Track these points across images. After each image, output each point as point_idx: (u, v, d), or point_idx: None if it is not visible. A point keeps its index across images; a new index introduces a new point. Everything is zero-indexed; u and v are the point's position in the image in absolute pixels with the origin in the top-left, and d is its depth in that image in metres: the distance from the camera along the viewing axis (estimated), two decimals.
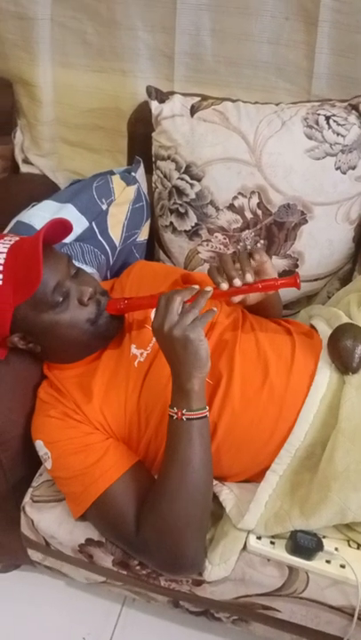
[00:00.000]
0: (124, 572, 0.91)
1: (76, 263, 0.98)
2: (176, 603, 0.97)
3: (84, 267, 1.05)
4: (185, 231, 1.21)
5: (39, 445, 0.89)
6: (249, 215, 1.16)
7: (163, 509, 0.79)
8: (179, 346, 0.76)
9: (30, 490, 0.97)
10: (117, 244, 1.17)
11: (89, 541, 0.90)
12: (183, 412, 0.79)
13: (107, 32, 1.27)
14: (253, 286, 0.83)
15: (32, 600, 1.19)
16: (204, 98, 1.18)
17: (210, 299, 0.80)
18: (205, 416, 0.80)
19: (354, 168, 1.12)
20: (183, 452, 0.79)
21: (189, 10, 1.19)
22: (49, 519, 0.93)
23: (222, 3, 1.18)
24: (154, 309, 0.89)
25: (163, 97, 1.19)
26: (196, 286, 0.82)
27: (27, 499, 0.96)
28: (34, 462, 0.95)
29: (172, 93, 1.20)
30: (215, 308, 0.81)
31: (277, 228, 1.16)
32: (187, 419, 0.78)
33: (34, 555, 1.03)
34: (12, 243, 0.88)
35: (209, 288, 0.81)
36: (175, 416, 0.79)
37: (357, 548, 0.84)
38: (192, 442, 0.79)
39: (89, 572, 0.99)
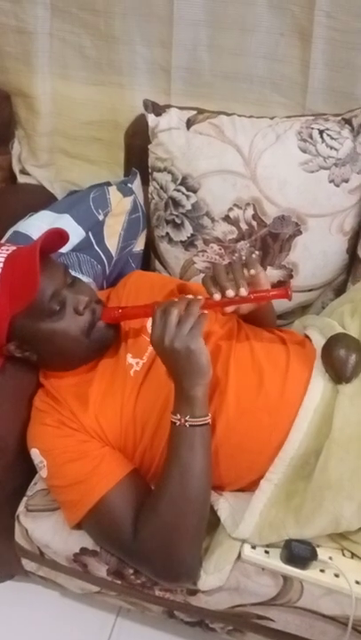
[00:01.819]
0: (119, 582, 0.91)
1: (73, 273, 0.98)
2: (171, 613, 0.96)
3: (80, 276, 1.05)
4: (181, 242, 1.22)
5: (34, 454, 0.89)
6: (244, 226, 1.17)
7: (162, 515, 0.79)
8: (181, 357, 0.77)
9: (25, 499, 0.97)
10: (114, 254, 1.18)
11: (83, 550, 0.90)
12: (186, 418, 0.80)
13: (105, 46, 1.29)
14: (245, 297, 0.83)
15: (26, 611, 1.18)
16: (200, 111, 1.19)
17: (203, 308, 0.81)
18: (208, 423, 0.81)
19: (347, 181, 1.13)
20: (185, 458, 0.79)
21: (187, 25, 1.21)
22: (43, 528, 0.93)
23: (219, 18, 1.20)
24: (150, 319, 0.89)
25: (159, 110, 1.20)
26: (190, 296, 0.83)
27: (21, 508, 0.96)
28: (29, 471, 0.95)
29: (169, 107, 1.21)
30: (206, 311, 0.81)
31: (272, 239, 1.17)
32: (190, 425, 0.79)
33: (28, 564, 1.02)
34: (9, 252, 0.89)
35: (200, 297, 0.82)
36: (178, 422, 0.80)
37: (351, 557, 0.85)
38: (194, 448, 0.80)
39: (83, 582, 0.98)
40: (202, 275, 1.23)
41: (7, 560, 1.06)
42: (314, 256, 1.19)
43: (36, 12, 1.26)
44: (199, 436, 0.80)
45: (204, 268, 1.23)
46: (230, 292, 0.82)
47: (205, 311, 0.81)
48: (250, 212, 1.15)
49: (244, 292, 0.82)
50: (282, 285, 1.18)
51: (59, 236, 0.92)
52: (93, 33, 1.28)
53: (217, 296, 0.82)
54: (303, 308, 1.29)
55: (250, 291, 0.84)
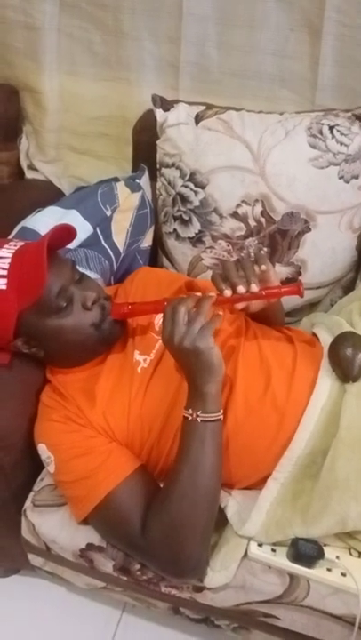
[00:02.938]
0: (125, 578, 0.91)
1: (81, 269, 0.98)
2: (176, 609, 0.96)
3: (88, 272, 1.05)
4: (188, 238, 1.22)
5: (42, 449, 0.90)
6: (252, 223, 1.16)
7: (171, 510, 0.80)
8: (191, 356, 0.78)
9: (32, 494, 0.97)
10: (121, 251, 1.17)
11: (90, 546, 0.90)
12: (198, 413, 0.80)
13: (113, 42, 1.28)
14: (257, 294, 0.83)
15: (32, 605, 1.19)
16: (209, 107, 1.19)
17: (213, 305, 0.81)
18: (219, 419, 0.81)
19: (357, 177, 1.12)
20: (195, 453, 0.80)
21: (195, 21, 1.21)
22: (50, 523, 0.93)
23: (228, 14, 1.19)
24: (158, 315, 0.89)
25: (168, 105, 1.20)
26: (199, 294, 0.83)
27: (28, 503, 0.96)
28: (36, 467, 0.96)
29: (177, 102, 1.21)
30: (221, 312, 0.81)
31: (281, 236, 1.16)
32: (201, 420, 0.80)
33: (34, 559, 1.02)
34: (16, 248, 0.88)
35: (212, 293, 0.82)
36: (190, 417, 0.80)
37: (358, 557, 0.84)
38: (205, 444, 0.80)
39: (89, 578, 0.99)
40: (210, 271, 1.23)
41: (14, 555, 1.06)
42: (323, 253, 1.18)
43: (45, 8, 1.26)
44: (210, 431, 0.80)
45: (212, 265, 1.23)
46: (241, 289, 0.81)
47: (220, 312, 0.81)
48: (258, 208, 1.15)
49: (255, 287, 0.82)
50: (292, 282, 1.18)
51: (66, 232, 0.92)
52: (102, 28, 1.28)
53: (227, 292, 0.82)
54: (311, 306, 1.29)
55: (261, 287, 0.83)
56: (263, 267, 0.85)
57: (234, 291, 0.82)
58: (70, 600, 1.18)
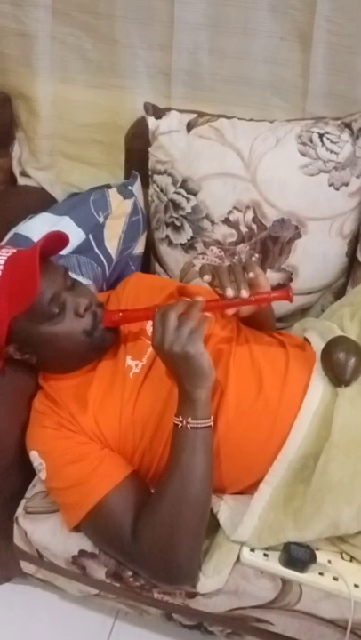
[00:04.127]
0: (118, 584, 0.91)
1: (73, 275, 0.98)
2: (169, 616, 0.96)
3: (80, 279, 1.05)
4: (181, 244, 1.22)
5: (34, 456, 0.89)
6: (244, 229, 1.17)
7: (161, 517, 0.80)
8: (181, 361, 0.78)
9: (24, 501, 0.97)
10: (114, 257, 1.18)
11: (82, 553, 0.90)
12: (188, 420, 0.80)
13: (106, 49, 1.29)
14: (246, 299, 0.84)
15: (24, 613, 1.18)
16: (201, 114, 1.20)
17: (203, 310, 0.81)
18: (210, 426, 0.82)
19: (347, 185, 1.13)
20: (186, 460, 0.80)
21: (187, 29, 1.22)
22: (42, 530, 0.92)
23: (220, 22, 1.20)
24: (150, 321, 0.90)
25: (160, 113, 1.21)
26: (188, 299, 0.83)
27: (20, 510, 0.96)
28: (28, 473, 0.95)
29: (169, 110, 1.22)
30: (209, 314, 0.82)
31: (272, 242, 1.17)
32: (191, 427, 0.80)
33: (26, 567, 1.02)
34: (8, 254, 0.89)
35: (200, 298, 0.82)
36: (180, 424, 0.80)
37: (350, 561, 0.85)
38: (195, 451, 0.80)
39: (82, 585, 0.98)
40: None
41: (6, 562, 1.06)
42: (313, 259, 1.19)
43: (37, 15, 1.26)
44: (201, 438, 0.81)
45: None
46: (231, 294, 0.82)
47: (208, 314, 0.81)
48: (250, 214, 1.16)
49: (245, 293, 0.82)
50: (282, 288, 1.18)
51: (59, 239, 0.92)
52: (94, 36, 1.29)
53: (207, 277, 0.83)
54: (303, 311, 1.29)
55: (251, 293, 0.84)
56: (251, 274, 0.85)
57: (224, 295, 0.83)
58: (63, 607, 1.17)
